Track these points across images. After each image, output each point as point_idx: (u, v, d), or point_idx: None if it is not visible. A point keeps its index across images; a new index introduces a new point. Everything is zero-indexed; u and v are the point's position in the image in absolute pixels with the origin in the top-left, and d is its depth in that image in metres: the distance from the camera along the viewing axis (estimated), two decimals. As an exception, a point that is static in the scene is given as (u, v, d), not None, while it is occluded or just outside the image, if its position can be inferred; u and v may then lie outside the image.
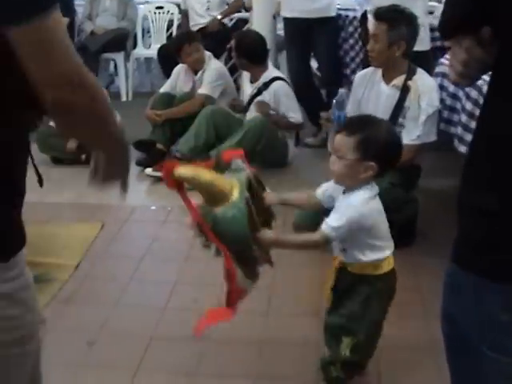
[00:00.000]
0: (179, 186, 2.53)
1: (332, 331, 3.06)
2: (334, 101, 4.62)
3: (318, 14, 6.58)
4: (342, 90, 4.75)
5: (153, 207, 5.54)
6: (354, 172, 2.82)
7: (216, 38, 8.23)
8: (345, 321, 2.97)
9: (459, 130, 4.19)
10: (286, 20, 6.91)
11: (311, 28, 6.60)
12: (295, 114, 6.19)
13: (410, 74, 4.56)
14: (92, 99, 1.55)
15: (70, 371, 3.35)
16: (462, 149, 4.12)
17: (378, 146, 2.84)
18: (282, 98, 6.12)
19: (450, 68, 1.70)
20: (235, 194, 2.53)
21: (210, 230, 2.52)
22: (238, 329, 3.68)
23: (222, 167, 2.76)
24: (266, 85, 6.13)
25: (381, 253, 2.92)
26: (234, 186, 2.57)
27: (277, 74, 6.31)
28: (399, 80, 4.58)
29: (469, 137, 4.05)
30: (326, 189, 3.02)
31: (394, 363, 3.35)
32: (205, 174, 2.57)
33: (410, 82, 4.53)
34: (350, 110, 4.69)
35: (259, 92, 6.16)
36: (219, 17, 8.63)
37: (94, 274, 4.32)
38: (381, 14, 4.54)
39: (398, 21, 4.49)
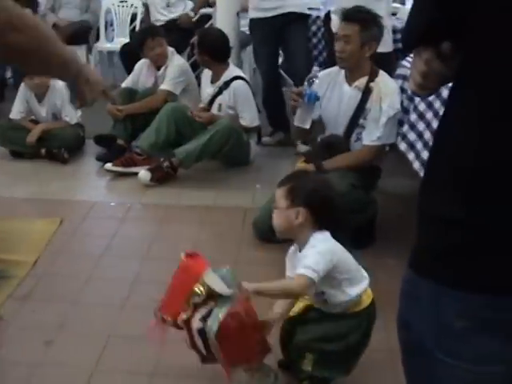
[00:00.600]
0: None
1: (297, 346, 3.08)
2: (307, 78, 4.62)
3: (292, 9, 6.56)
4: (315, 68, 4.77)
5: (112, 203, 5.51)
6: (287, 220, 2.91)
7: (179, 34, 8.21)
8: (315, 341, 3.01)
9: (405, 128, 4.23)
10: (257, 20, 6.80)
11: (283, 26, 6.57)
12: (249, 116, 6.18)
13: (373, 76, 4.59)
14: (38, 37, 1.76)
15: (27, 370, 3.32)
16: (403, 146, 4.17)
17: (305, 191, 2.93)
18: (240, 98, 6.11)
19: (410, 78, 1.71)
20: None
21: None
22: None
23: None
24: (227, 84, 6.12)
25: (359, 285, 2.98)
26: None
27: (237, 73, 6.29)
28: (362, 81, 4.62)
29: (412, 136, 4.09)
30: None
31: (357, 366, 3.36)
32: None
33: (372, 84, 4.56)
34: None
35: (220, 91, 6.15)
36: (192, 14, 8.60)
37: (52, 271, 4.28)
38: (351, 15, 4.55)
39: (369, 22, 4.52)
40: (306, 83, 4.57)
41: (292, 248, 3.06)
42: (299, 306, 3.10)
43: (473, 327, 1.52)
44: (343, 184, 4.20)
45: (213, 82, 6.28)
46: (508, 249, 1.45)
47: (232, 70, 6.24)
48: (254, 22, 6.85)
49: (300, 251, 2.94)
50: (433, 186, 1.57)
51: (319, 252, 2.82)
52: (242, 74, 6.34)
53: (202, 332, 2.75)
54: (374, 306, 3.07)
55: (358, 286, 2.97)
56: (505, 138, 1.42)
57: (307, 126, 4.59)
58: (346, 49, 4.52)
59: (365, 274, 3.04)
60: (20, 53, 1.81)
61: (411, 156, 4.03)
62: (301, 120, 4.60)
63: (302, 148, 6.57)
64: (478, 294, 1.49)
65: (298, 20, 6.54)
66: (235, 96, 6.09)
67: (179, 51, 7.15)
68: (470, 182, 1.47)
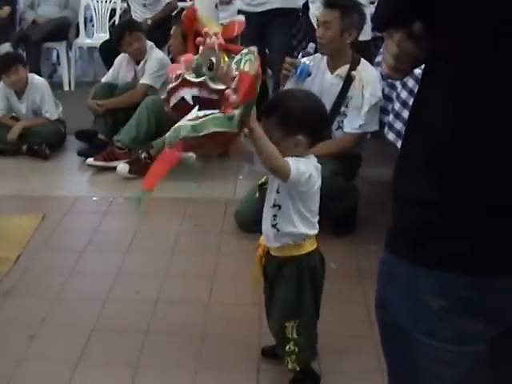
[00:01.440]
0: None
1: (275, 323, 3.08)
2: (303, 52, 4.62)
3: (279, 4, 6.57)
4: (311, 44, 4.76)
5: (94, 198, 5.49)
6: (286, 150, 2.80)
7: (160, 28, 8.19)
8: (283, 309, 2.99)
9: (390, 118, 4.25)
10: (244, 13, 6.70)
11: (268, 22, 6.57)
12: None
13: (354, 64, 4.60)
14: None
15: (10, 365, 3.31)
16: (391, 136, 4.18)
17: (297, 116, 2.83)
18: None
19: (382, 61, 1.72)
20: None
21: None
22: (180, 319, 3.70)
23: None
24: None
25: (310, 229, 2.93)
26: None
27: None
28: (343, 69, 4.63)
29: (398, 124, 4.10)
30: None
31: (334, 350, 3.38)
32: None
33: (353, 72, 4.57)
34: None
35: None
36: (149, 22, 8.52)
37: (34, 267, 4.27)
38: (333, 2, 4.55)
39: (351, 9, 4.53)
40: (300, 56, 4.57)
41: None
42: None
43: (450, 307, 1.52)
44: (324, 172, 4.21)
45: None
46: (482, 230, 1.46)
47: None
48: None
49: None
50: (407, 168, 1.58)
51: (304, 164, 2.80)
52: None
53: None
54: (319, 255, 3.03)
55: (308, 228, 2.92)
56: (474, 119, 1.43)
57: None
58: (326, 34, 4.53)
59: (317, 225, 2.99)
60: None
61: (399, 145, 4.04)
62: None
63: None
64: (453, 274, 1.49)
65: (283, 16, 6.53)
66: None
67: (159, 47, 7.12)
68: (444, 164, 1.48)
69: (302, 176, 2.78)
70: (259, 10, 6.57)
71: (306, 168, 2.79)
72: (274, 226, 2.91)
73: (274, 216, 2.90)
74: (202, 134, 2.36)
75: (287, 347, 3.02)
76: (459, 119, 1.45)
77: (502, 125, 1.41)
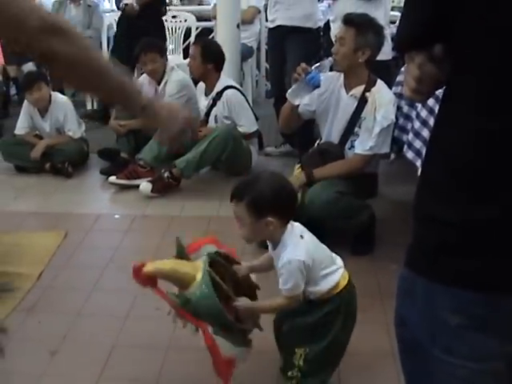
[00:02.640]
0: (150, 281, 2.85)
1: (285, 342, 3.09)
2: (317, 63, 4.65)
3: (283, 22, 6.65)
4: (330, 58, 4.79)
5: (116, 216, 5.54)
6: (259, 231, 2.88)
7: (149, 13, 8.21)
8: (298, 332, 3.01)
9: (410, 136, 4.26)
10: (268, 29, 7.22)
11: (284, 38, 6.67)
12: (246, 122, 6.22)
13: (370, 85, 4.61)
14: (71, 44, 1.67)
15: (32, 381, 3.35)
16: (410, 155, 4.20)
17: (266, 200, 2.84)
18: (234, 106, 6.16)
19: (404, 84, 1.74)
20: (199, 274, 2.77)
21: (184, 312, 2.79)
22: (200, 337, 3.69)
23: (183, 255, 3.05)
24: (219, 94, 6.17)
25: (335, 275, 2.96)
26: (197, 267, 2.83)
27: (228, 82, 6.33)
28: (358, 90, 4.64)
29: (418, 143, 4.12)
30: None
31: (354, 369, 3.38)
32: (166, 264, 2.95)
33: (368, 94, 4.58)
34: (310, 101, 4.75)
35: (214, 102, 6.20)
36: (136, 7, 8.23)
37: (56, 284, 4.31)
38: (350, 19, 4.60)
39: (366, 27, 4.56)
40: (313, 66, 4.60)
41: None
42: None
43: (468, 324, 1.54)
44: (329, 193, 4.27)
45: (206, 94, 6.34)
46: (500, 249, 1.48)
47: (223, 81, 6.29)
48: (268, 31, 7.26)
49: (274, 249, 2.94)
50: (427, 187, 1.61)
51: (291, 272, 2.81)
52: (232, 83, 6.37)
53: None
54: (352, 289, 3.04)
55: (333, 276, 2.94)
56: (495, 137, 1.45)
57: (295, 102, 4.66)
58: (340, 51, 4.57)
59: (339, 262, 3.02)
60: (67, 64, 1.75)
61: (419, 163, 4.05)
62: (293, 94, 4.67)
63: (270, 150, 6.92)
64: (471, 292, 1.51)
65: (294, 33, 6.59)
66: (229, 105, 6.14)
67: (149, 35, 7.07)
68: (463, 183, 1.50)
69: (302, 281, 2.84)
70: (271, 26, 6.88)
71: (298, 277, 2.83)
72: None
73: None
74: None
75: (290, 373, 3.04)
76: (482, 137, 1.47)
77: None
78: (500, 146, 1.45)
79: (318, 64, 4.63)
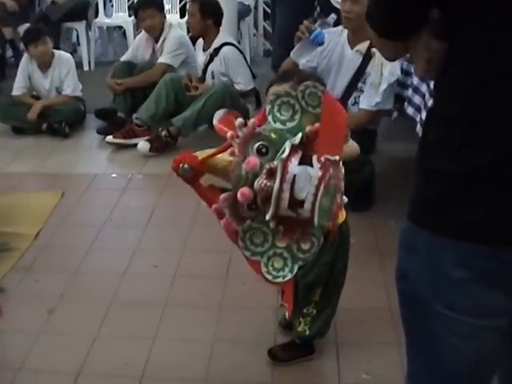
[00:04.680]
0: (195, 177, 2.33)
1: (306, 287, 3.05)
2: (322, 21, 4.61)
3: None
4: (333, 15, 4.75)
5: (113, 175, 5.53)
6: None
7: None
8: (316, 275, 2.97)
9: (409, 92, 4.23)
10: None
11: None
12: (243, 80, 6.16)
13: None
14: None
15: (30, 339, 3.36)
16: (410, 111, 4.18)
17: None
18: (231, 63, 6.10)
19: (414, 65, 1.72)
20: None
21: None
22: (198, 293, 3.72)
23: None
24: (217, 50, 6.12)
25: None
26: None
27: (227, 39, 6.27)
28: (363, 46, 4.60)
29: (417, 99, 4.09)
30: None
31: (351, 323, 3.39)
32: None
33: (373, 49, 4.53)
34: (311, 57, 4.71)
35: (211, 58, 6.15)
36: None
37: (53, 243, 4.31)
38: None
39: None
40: (317, 24, 4.55)
41: None
42: None
43: (471, 277, 1.52)
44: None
45: (204, 50, 6.28)
46: (503, 198, 1.47)
47: (221, 37, 6.22)
48: None
49: None
50: (428, 140, 1.59)
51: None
52: (230, 40, 6.32)
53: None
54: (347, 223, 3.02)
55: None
56: (490, 87, 1.44)
57: (300, 61, 4.61)
58: (354, 9, 4.48)
59: None
60: None
61: (418, 118, 4.03)
62: (297, 53, 4.63)
63: None
64: (473, 243, 1.50)
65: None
66: (226, 62, 6.08)
67: None
68: (463, 133, 1.49)
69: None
70: None
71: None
72: None
73: None
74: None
75: (306, 309, 3.03)
76: (477, 88, 1.46)
77: None
78: (495, 94, 1.44)
79: (322, 20, 4.58)
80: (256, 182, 1.92)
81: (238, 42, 7.25)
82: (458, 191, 1.50)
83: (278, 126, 1.99)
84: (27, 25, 8.08)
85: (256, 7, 9.13)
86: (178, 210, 4.79)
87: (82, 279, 3.91)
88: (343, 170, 2.06)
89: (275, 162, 1.91)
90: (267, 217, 1.92)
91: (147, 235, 4.40)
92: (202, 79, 6.21)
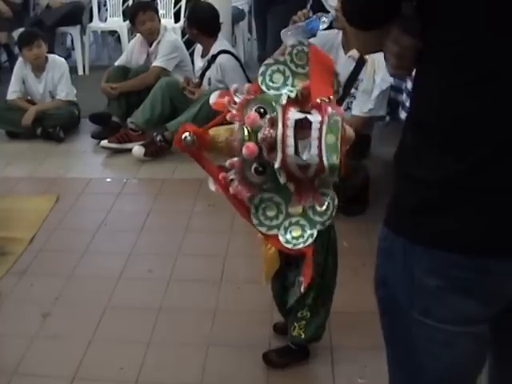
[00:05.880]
0: (198, 151, 2.29)
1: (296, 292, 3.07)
2: (318, 14, 4.61)
3: None
4: (332, 13, 4.76)
5: (108, 179, 5.53)
6: None
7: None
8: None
9: (404, 96, 4.25)
10: None
11: (267, 8, 6.63)
12: None
13: None
14: None
15: (25, 343, 3.36)
16: (403, 115, 4.19)
17: None
18: (227, 71, 6.08)
19: (386, 62, 1.67)
20: None
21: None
22: (192, 297, 3.73)
23: None
24: (214, 57, 6.12)
25: None
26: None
27: (224, 47, 6.26)
28: (356, 52, 4.60)
29: (410, 104, 4.10)
30: None
31: (344, 326, 3.40)
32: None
33: (366, 56, 4.54)
34: None
35: (209, 65, 6.15)
36: None
37: (48, 247, 4.32)
38: None
39: None
40: (316, 15, 4.56)
41: None
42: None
43: (445, 286, 1.51)
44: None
45: (203, 56, 6.27)
46: (478, 208, 1.45)
47: (219, 45, 6.19)
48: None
49: None
50: (405, 147, 1.57)
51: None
52: (227, 48, 6.29)
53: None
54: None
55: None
56: (460, 93, 1.43)
57: (288, 43, 4.61)
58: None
59: None
60: None
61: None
62: (286, 33, 4.60)
63: None
64: (447, 252, 1.48)
65: (274, 3, 6.54)
66: (222, 70, 6.07)
67: None
68: (436, 144, 1.47)
69: None
70: None
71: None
72: None
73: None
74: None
75: (299, 313, 3.04)
76: (448, 94, 1.45)
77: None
78: (472, 99, 1.42)
79: (318, 14, 4.57)
80: (259, 134, 1.93)
81: (232, 47, 7.25)
82: (434, 199, 1.48)
83: (273, 92, 2.01)
84: (22, 29, 8.08)
85: (250, 12, 9.14)
86: (172, 214, 4.81)
87: (76, 283, 3.91)
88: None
89: (275, 113, 1.93)
90: (276, 164, 1.90)
91: (142, 239, 4.40)
92: (199, 84, 6.21)
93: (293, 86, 2.02)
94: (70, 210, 4.87)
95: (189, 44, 7.13)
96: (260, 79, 2.04)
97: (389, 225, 1.61)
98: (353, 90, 4.62)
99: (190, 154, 2.18)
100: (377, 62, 4.48)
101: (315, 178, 1.98)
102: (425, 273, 1.52)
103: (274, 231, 2.03)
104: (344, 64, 4.64)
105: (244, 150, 1.92)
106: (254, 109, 1.96)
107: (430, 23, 1.46)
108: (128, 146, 5.88)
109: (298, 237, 2.01)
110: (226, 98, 2.06)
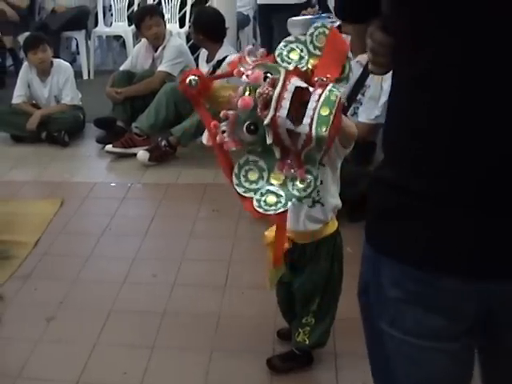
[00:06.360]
0: (198, 97, 2.31)
1: (304, 296, 3.06)
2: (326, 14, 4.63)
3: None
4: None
5: (112, 184, 5.54)
6: None
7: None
8: (313, 284, 2.99)
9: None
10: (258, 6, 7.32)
11: (272, 15, 6.67)
12: None
13: None
14: None
15: (29, 347, 3.36)
16: None
17: None
18: (232, 78, 6.09)
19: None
20: None
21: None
22: (196, 302, 3.73)
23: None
24: (219, 63, 6.12)
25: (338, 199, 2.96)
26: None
27: (229, 52, 6.26)
28: (364, 57, 4.56)
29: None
30: None
31: (348, 332, 3.38)
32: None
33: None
34: None
35: (214, 70, 6.15)
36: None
37: (52, 251, 4.32)
38: None
39: None
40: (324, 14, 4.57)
41: None
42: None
43: (406, 298, 1.47)
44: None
45: (208, 61, 6.27)
46: (424, 221, 1.39)
47: (224, 50, 6.20)
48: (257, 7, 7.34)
49: None
50: (382, 153, 1.54)
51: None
52: (233, 53, 6.30)
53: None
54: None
55: (338, 200, 2.95)
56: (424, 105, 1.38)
57: (291, 30, 4.62)
58: None
59: None
60: None
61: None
62: (292, 23, 4.65)
63: None
64: (403, 265, 1.44)
65: (279, 10, 6.55)
66: (219, 82, 6.05)
67: None
68: (401, 151, 1.44)
69: None
70: (259, 2, 6.99)
71: None
72: (317, 201, 2.87)
73: (318, 191, 2.82)
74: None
75: (304, 319, 3.04)
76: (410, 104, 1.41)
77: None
78: (437, 100, 1.36)
79: (328, 14, 4.59)
80: (258, 90, 1.94)
81: (237, 52, 7.25)
82: (395, 207, 1.44)
83: (285, 65, 2.03)
84: (27, 34, 8.11)
85: (255, 17, 9.15)
86: (176, 219, 4.82)
87: (81, 287, 3.91)
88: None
89: (278, 75, 1.95)
90: (265, 121, 1.91)
91: (146, 244, 4.40)
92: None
93: (306, 64, 2.05)
94: (74, 214, 4.88)
95: (193, 49, 7.14)
96: (277, 52, 2.07)
97: (365, 230, 1.57)
98: (359, 96, 4.62)
99: (189, 96, 2.21)
100: None
101: (302, 151, 1.99)
102: (387, 283, 1.49)
103: (251, 194, 2.04)
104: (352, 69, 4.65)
105: (239, 102, 1.93)
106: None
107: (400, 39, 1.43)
108: (132, 150, 5.89)
109: (271, 204, 2.02)
110: (238, 56, 2.09)
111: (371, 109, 4.53)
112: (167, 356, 3.30)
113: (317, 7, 6.63)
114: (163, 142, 5.77)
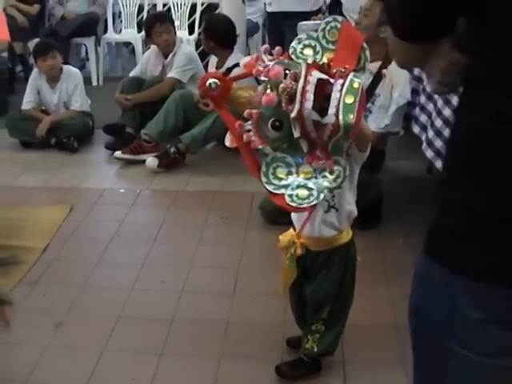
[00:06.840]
0: (219, 100, 2.36)
1: (315, 303, 3.05)
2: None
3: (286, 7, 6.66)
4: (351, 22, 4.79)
5: (122, 190, 5.54)
6: None
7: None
8: (325, 293, 2.99)
9: (416, 111, 4.24)
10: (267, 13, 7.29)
11: (281, 23, 6.67)
12: None
13: (386, 63, 4.54)
14: None
15: (37, 352, 3.36)
16: (416, 129, 4.20)
17: None
18: (242, 85, 6.08)
19: (427, 76, 1.64)
20: None
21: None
22: (205, 309, 3.73)
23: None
24: (229, 70, 6.12)
25: (355, 207, 2.96)
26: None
27: (239, 60, 6.25)
28: (374, 65, 4.58)
29: (424, 118, 4.11)
30: None
31: (357, 339, 3.39)
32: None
33: (384, 71, 4.52)
34: None
35: (224, 77, 6.16)
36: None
37: (61, 257, 4.33)
38: None
39: None
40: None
41: None
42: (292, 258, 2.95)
43: (487, 319, 1.45)
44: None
45: (217, 68, 6.27)
46: None
47: (234, 57, 6.19)
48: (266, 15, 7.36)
49: None
50: (448, 169, 1.53)
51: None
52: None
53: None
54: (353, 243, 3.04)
55: (355, 208, 2.96)
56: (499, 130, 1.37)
57: (299, 33, 4.64)
58: (363, 22, 4.51)
59: None
60: None
61: (424, 137, 4.04)
62: (301, 27, 4.66)
63: None
64: (491, 284, 1.43)
65: (289, 18, 6.55)
66: (236, 83, 6.06)
67: None
68: (475, 170, 1.43)
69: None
70: (269, 10, 6.94)
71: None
72: (332, 206, 2.87)
73: (333, 196, 2.82)
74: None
75: (314, 326, 3.04)
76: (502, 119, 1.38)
77: None
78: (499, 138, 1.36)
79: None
80: (281, 85, 1.95)
81: (247, 60, 7.26)
82: (478, 227, 1.43)
83: (301, 61, 2.05)
84: (37, 40, 8.13)
85: (264, 25, 9.16)
86: (185, 226, 4.82)
87: (89, 293, 3.92)
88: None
89: (299, 69, 1.97)
90: (292, 114, 1.92)
91: (155, 251, 4.41)
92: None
93: (321, 59, 2.08)
94: (83, 220, 4.88)
95: (202, 56, 7.16)
96: (291, 50, 2.08)
97: (427, 252, 1.55)
98: (369, 105, 4.61)
99: (210, 98, 2.23)
100: (395, 77, 4.47)
101: (329, 142, 2.00)
102: (465, 304, 1.47)
103: (281, 190, 2.05)
104: (361, 78, 4.64)
105: (264, 98, 1.94)
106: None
107: (483, 37, 1.40)
108: (142, 157, 5.90)
109: (303, 198, 2.04)
110: (255, 55, 2.11)
111: (381, 118, 4.52)
112: (175, 362, 3.30)
113: (327, 14, 6.64)
114: (172, 149, 5.77)
